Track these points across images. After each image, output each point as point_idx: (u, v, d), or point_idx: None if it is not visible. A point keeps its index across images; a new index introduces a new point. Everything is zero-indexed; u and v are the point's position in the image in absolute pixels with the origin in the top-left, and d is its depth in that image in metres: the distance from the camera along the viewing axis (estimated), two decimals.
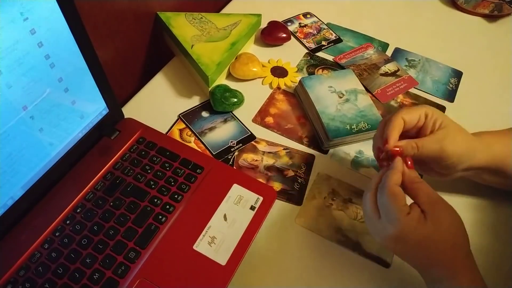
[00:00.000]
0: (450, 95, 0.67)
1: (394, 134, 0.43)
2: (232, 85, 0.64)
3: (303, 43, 0.74)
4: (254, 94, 0.64)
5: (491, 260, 0.49)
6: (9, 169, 0.43)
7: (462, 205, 0.54)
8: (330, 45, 0.74)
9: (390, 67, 0.70)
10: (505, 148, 0.46)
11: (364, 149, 0.59)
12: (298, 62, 0.70)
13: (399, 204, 0.38)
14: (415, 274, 0.41)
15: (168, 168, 0.52)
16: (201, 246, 0.46)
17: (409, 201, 0.40)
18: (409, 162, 0.42)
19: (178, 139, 0.58)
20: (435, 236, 0.38)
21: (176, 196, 0.50)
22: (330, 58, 0.72)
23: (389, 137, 0.43)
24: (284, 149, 0.58)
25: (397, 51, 0.74)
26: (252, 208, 0.49)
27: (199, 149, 0.57)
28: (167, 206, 0.49)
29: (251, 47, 0.73)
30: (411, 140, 0.43)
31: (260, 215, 0.49)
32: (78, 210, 0.48)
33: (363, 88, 0.63)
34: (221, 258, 0.45)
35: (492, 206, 0.54)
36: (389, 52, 0.73)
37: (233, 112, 0.62)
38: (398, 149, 0.42)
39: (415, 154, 0.43)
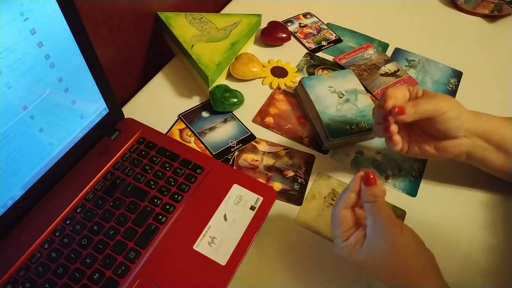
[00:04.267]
0: (450, 95, 0.67)
1: (396, 95, 0.45)
2: (232, 85, 0.64)
3: (303, 43, 0.74)
4: (254, 94, 0.64)
5: (502, 259, 0.49)
6: (9, 169, 0.43)
7: (473, 204, 0.54)
8: (330, 45, 0.74)
9: (390, 67, 0.70)
10: (494, 119, 0.48)
11: (364, 149, 0.59)
12: (298, 62, 0.71)
13: (340, 231, 0.41)
14: None
15: (168, 168, 0.52)
16: (201, 246, 0.46)
17: None
18: (371, 176, 0.39)
19: (178, 139, 0.58)
20: (370, 262, 0.39)
21: (176, 196, 0.50)
22: (330, 58, 0.72)
23: (390, 97, 0.44)
24: (284, 149, 0.58)
25: (397, 51, 0.74)
26: (252, 208, 0.49)
27: (199, 149, 0.57)
28: (167, 206, 0.49)
29: (251, 47, 0.73)
30: (408, 102, 0.45)
31: (260, 215, 0.49)
32: (78, 210, 0.48)
33: (363, 88, 0.63)
34: (221, 258, 0.45)
35: (503, 204, 0.54)
36: (389, 52, 0.73)
37: (233, 112, 0.62)
38: (401, 107, 0.43)
39: (414, 115, 0.44)
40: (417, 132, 0.48)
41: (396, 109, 0.43)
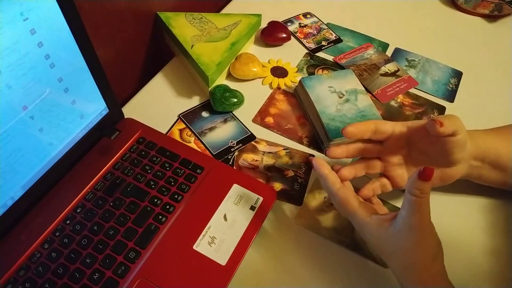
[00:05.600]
0: (450, 95, 0.67)
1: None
2: (232, 85, 0.64)
3: (303, 43, 0.74)
4: (254, 94, 0.64)
5: (503, 262, 0.49)
6: (9, 169, 0.43)
7: (474, 207, 0.54)
8: (330, 45, 0.74)
9: (390, 67, 0.70)
10: (488, 137, 0.47)
11: None
12: (298, 62, 0.70)
13: (350, 208, 0.43)
14: None
15: (168, 168, 0.52)
16: (201, 246, 0.46)
17: None
18: (429, 172, 0.36)
19: (178, 139, 0.58)
20: (387, 249, 0.40)
21: (176, 196, 0.50)
22: (330, 58, 0.72)
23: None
24: (284, 149, 0.58)
25: (397, 51, 0.74)
26: (252, 208, 0.49)
27: (199, 149, 0.57)
28: (167, 206, 0.49)
29: (251, 47, 0.73)
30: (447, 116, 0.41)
31: (260, 215, 0.49)
32: (78, 210, 0.48)
33: (363, 88, 0.63)
34: (221, 258, 0.45)
35: (504, 206, 0.54)
36: (389, 52, 0.73)
37: (233, 112, 0.62)
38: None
39: (404, 132, 0.44)
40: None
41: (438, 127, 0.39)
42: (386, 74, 0.69)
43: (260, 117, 0.62)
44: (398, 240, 0.38)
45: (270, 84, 0.67)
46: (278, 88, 0.66)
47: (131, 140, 0.55)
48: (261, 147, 0.58)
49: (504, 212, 0.53)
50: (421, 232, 0.37)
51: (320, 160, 0.45)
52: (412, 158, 0.47)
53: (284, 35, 0.72)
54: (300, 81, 0.63)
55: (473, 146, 0.45)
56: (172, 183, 0.51)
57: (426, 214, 0.37)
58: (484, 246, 0.50)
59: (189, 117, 0.61)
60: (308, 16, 0.79)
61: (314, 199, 0.53)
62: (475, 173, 0.48)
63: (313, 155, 0.58)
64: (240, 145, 0.58)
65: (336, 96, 0.61)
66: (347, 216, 0.44)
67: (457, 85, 0.69)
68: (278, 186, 0.54)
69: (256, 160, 0.57)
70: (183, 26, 0.65)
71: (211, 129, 0.60)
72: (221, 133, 0.60)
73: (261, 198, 0.50)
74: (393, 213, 0.40)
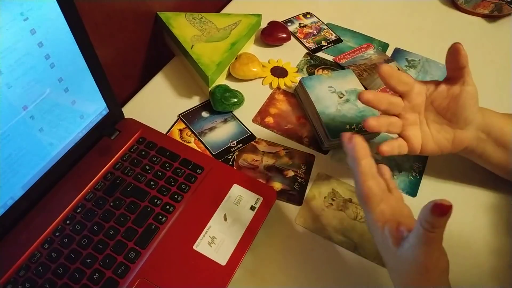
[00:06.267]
0: None
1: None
2: (232, 85, 0.64)
3: (303, 43, 0.74)
4: (254, 94, 0.64)
5: (505, 260, 0.49)
6: (9, 169, 0.43)
7: (474, 204, 0.54)
8: (330, 45, 0.74)
9: None
10: (495, 115, 0.49)
11: None
12: (298, 62, 0.71)
13: (370, 207, 0.40)
14: None
15: (168, 168, 0.52)
16: (201, 246, 0.46)
17: None
18: (446, 206, 0.32)
19: (178, 139, 0.58)
20: (392, 267, 0.39)
21: (176, 196, 0.50)
22: (330, 58, 0.72)
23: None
24: (284, 149, 0.58)
25: (397, 51, 0.74)
26: (252, 208, 0.49)
27: (199, 149, 0.57)
28: (167, 206, 0.49)
29: (251, 47, 0.73)
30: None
31: (260, 215, 0.49)
32: (78, 210, 0.48)
33: (363, 88, 0.63)
34: (221, 258, 0.45)
35: (506, 204, 0.54)
36: (389, 52, 0.73)
37: (233, 112, 0.62)
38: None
39: (423, 88, 0.47)
40: (435, 126, 0.48)
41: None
42: None
43: (260, 117, 0.62)
44: (400, 262, 0.37)
45: (270, 84, 0.67)
46: (278, 88, 0.66)
47: (131, 140, 0.55)
48: (261, 147, 0.58)
49: (508, 211, 0.53)
50: (425, 265, 0.35)
51: (361, 141, 0.40)
52: (427, 120, 0.48)
53: (284, 35, 0.72)
54: (300, 81, 0.63)
55: (481, 117, 0.47)
56: (172, 183, 0.51)
57: (435, 249, 0.35)
58: (487, 245, 0.50)
59: (189, 117, 0.61)
60: (308, 16, 0.79)
61: (314, 199, 0.53)
62: (480, 146, 0.48)
63: (313, 155, 0.58)
64: (240, 145, 0.58)
65: (336, 96, 0.61)
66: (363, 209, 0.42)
67: None
68: (278, 186, 0.54)
69: (256, 160, 0.57)
70: (183, 26, 0.65)
71: (211, 129, 0.60)
72: (221, 133, 0.60)
73: (261, 198, 0.50)
74: (405, 232, 0.37)
